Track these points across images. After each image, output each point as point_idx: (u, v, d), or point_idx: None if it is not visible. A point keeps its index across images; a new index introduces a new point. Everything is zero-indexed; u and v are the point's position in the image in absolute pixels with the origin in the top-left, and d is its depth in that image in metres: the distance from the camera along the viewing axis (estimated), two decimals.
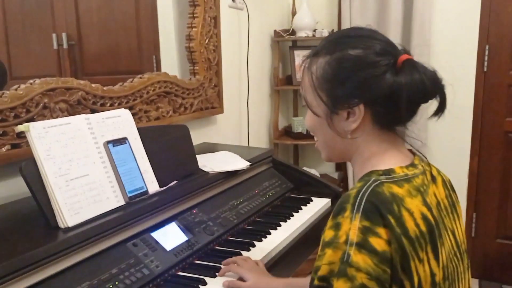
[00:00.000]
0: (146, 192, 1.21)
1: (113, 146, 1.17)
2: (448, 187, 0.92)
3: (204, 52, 1.94)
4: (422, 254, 0.74)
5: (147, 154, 1.26)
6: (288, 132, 2.84)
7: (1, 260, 0.85)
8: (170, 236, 1.18)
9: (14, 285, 0.86)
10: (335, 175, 2.95)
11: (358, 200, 0.74)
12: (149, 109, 1.64)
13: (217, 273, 1.12)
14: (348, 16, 2.64)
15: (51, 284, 0.91)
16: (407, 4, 2.56)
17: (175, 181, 1.31)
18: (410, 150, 0.90)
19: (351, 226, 0.72)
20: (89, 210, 1.06)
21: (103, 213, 1.08)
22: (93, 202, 1.08)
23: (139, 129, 1.27)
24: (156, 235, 1.15)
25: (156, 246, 1.12)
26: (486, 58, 2.55)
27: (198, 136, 1.91)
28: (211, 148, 1.77)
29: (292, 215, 1.51)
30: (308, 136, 2.71)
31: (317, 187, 1.71)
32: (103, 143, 1.16)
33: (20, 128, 1.03)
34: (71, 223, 1.01)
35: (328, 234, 0.75)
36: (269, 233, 1.36)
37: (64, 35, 1.51)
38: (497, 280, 2.74)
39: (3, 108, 1.15)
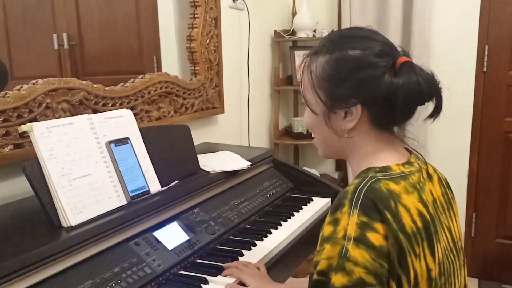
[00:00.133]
0: (148, 191, 1.22)
1: (115, 146, 1.18)
2: (444, 185, 0.93)
3: (205, 53, 1.95)
4: (419, 249, 0.76)
5: (148, 154, 1.27)
6: (288, 132, 2.85)
7: (5, 258, 0.86)
8: (172, 236, 1.19)
9: (18, 283, 0.87)
10: (335, 175, 2.96)
11: (356, 196, 0.75)
12: (150, 109, 1.65)
13: (218, 273, 1.12)
14: (348, 17, 2.65)
15: (55, 282, 0.92)
16: (407, 5, 2.56)
17: (177, 181, 1.31)
18: (406, 149, 0.92)
19: (349, 221, 0.73)
20: (92, 209, 1.07)
21: (105, 213, 1.09)
22: (96, 201, 1.09)
23: (140, 129, 1.28)
24: (158, 234, 1.16)
25: (158, 245, 1.13)
26: (485, 58, 2.56)
27: (199, 136, 1.92)
28: (212, 148, 1.78)
29: (293, 215, 1.52)
30: (308, 136, 2.72)
31: (317, 186, 1.72)
32: (105, 143, 1.17)
33: (23, 128, 1.04)
34: (74, 222, 1.02)
35: (326, 229, 0.76)
36: (270, 233, 1.37)
37: (65, 35, 1.52)
38: (497, 280, 2.75)
39: (6, 108, 1.16)
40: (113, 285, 0.97)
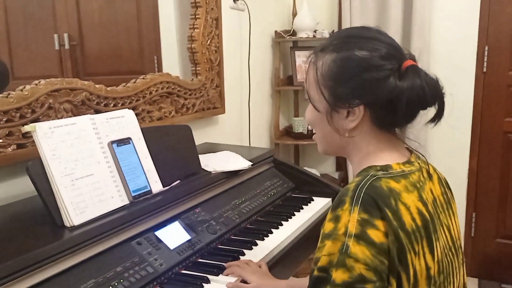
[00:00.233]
0: (150, 191, 1.22)
1: (117, 146, 1.19)
2: (444, 184, 0.94)
3: (206, 53, 1.96)
4: (418, 247, 0.76)
5: (150, 154, 1.28)
6: (288, 132, 2.85)
7: (8, 258, 0.86)
8: (174, 235, 1.19)
9: (22, 282, 0.88)
10: (336, 175, 2.97)
11: (356, 194, 0.76)
12: (151, 110, 1.66)
13: (220, 272, 1.13)
14: (348, 18, 2.65)
15: (58, 281, 0.93)
16: (407, 6, 2.57)
17: (178, 181, 1.32)
18: (407, 148, 0.92)
19: (350, 218, 0.74)
20: (94, 209, 1.08)
21: (107, 212, 1.10)
22: (98, 201, 1.09)
23: (142, 129, 1.29)
24: (160, 234, 1.17)
25: (159, 244, 1.14)
26: (485, 59, 2.57)
27: (200, 136, 1.93)
28: (213, 148, 1.79)
29: (294, 215, 1.52)
30: (308, 136, 2.73)
31: (318, 186, 1.72)
32: (107, 143, 1.18)
33: (26, 128, 1.05)
34: (76, 222, 1.03)
35: (327, 226, 0.77)
36: (271, 232, 1.38)
37: (65, 35, 1.52)
38: (497, 280, 2.75)
39: (9, 109, 1.17)
40: (116, 284, 0.98)
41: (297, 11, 2.75)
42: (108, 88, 1.47)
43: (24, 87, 1.22)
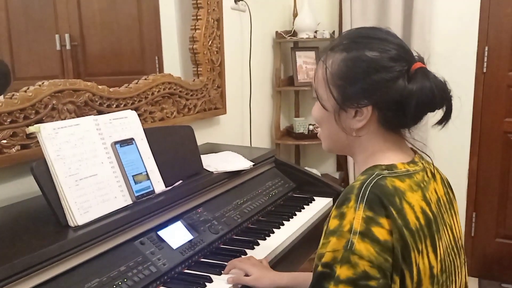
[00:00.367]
0: (153, 191, 1.23)
1: (120, 146, 1.20)
2: (446, 185, 0.95)
3: (207, 54, 1.97)
4: (421, 246, 0.77)
5: (153, 154, 1.28)
6: (289, 132, 2.86)
7: (14, 257, 0.87)
8: (176, 235, 1.20)
9: (27, 282, 0.89)
10: (336, 175, 2.98)
11: (362, 191, 0.77)
12: (153, 110, 1.67)
13: (222, 271, 1.14)
14: (349, 18, 2.66)
15: (62, 281, 0.93)
16: (407, 6, 2.58)
17: (181, 181, 1.33)
18: (411, 148, 0.93)
19: (355, 215, 0.75)
20: (98, 209, 1.09)
21: (111, 212, 1.11)
22: (102, 201, 1.10)
23: (145, 130, 1.30)
24: (163, 233, 1.18)
25: (162, 244, 1.15)
26: (485, 59, 2.58)
27: (201, 137, 1.94)
28: (214, 148, 1.80)
29: (295, 214, 1.53)
30: (309, 136, 2.74)
31: (319, 186, 1.73)
32: (110, 144, 1.18)
33: (31, 129, 1.06)
34: (80, 221, 1.04)
35: (332, 223, 0.78)
36: (273, 232, 1.39)
37: (67, 36, 1.53)
38: (497, 279, 2.76)
39: (13, 110, 1.18)
40: (120, 283, 0.99)
41: (298, 12, 2.76)
42: (111, 89, 1.48)
43: (28, 88, 1.23)
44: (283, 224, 1.45)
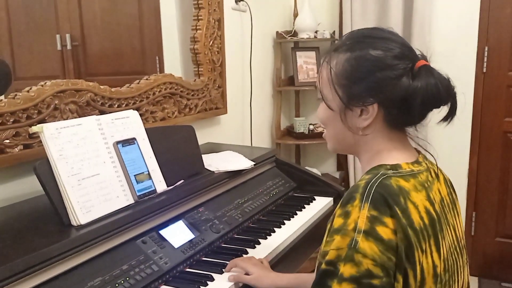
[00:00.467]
0: (154, 191, 1.24)
1: (122, 146, 1.21)
2: (449, 185, 0.96)
3: (208, 54, 1.97)
4: (425, 245, 0.78)
5: (154, 154, 1.29)
6: (290, 132, 2.87)
7: (17, 256, 0.88)
8: (178, 234, 1.21)
9: (30, 280, 0.89)
10: (337, 175, 2.99)
11: (367, 191, 0.78)
12: (155, 110, 1.68)
13: (223, 270, 1.15)
14: (349, 18, 2.67)
15: (65, 279, 0.94)
16: (407, 6, 2.59)
17: (182, 180, 1.34)
18: (415, 149, 0.94)
19: (360, 214, 0.76)
20: (100, 208, 1.09)
21: (113, 211, 1.12)
22: (104, 200, 1.11)
23: (147, 130, 1.30)
24: (164, 232, 1.19)
25: (164, 243, 1.16)
26: (485, 59, 2.59)
27: (202, 136, 1.94)
28: (215, 148, 1.81)
29: (296, 214, 1.54)
30: (309, 136, 2.74)
31: (319, 186, 1.74)
32: (112, 144, 1.19)
33: (34, 129, 1.06)
34: (83, 221, 1.04)
35: (337, 221, 0.78)
36: (274, 231, 1.39)
37: (67, 36, 1.54)
38: (497, 278, 2.77)
39: (16, 110, 1.19)
40: (122, 282, 1.00)
41: (298, 12, 2.77)
42: (113, 89, 1.48)
43: (31, 88, 1.24)
44: (284, 224, 1.46)
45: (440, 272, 0.80)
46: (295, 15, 2.79)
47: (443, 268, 0.82)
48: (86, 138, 1.14)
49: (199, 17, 1.92)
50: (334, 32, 2.79)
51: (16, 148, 1.20)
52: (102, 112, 1.41)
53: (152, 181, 1.25)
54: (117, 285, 0.98)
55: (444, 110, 0.86)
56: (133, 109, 1.36)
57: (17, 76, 1.39)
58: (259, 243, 1.31)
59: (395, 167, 0.84)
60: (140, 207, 1.16)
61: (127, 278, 1.01)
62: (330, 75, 0.88)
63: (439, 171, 0.94)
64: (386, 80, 0.83)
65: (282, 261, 1.30)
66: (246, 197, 1.52)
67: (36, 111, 1.24)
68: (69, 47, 1.54)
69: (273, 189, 1.65)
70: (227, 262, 1.18)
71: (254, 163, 1.60)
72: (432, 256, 0.79)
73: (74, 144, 1.10)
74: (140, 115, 1.33)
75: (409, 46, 0.87)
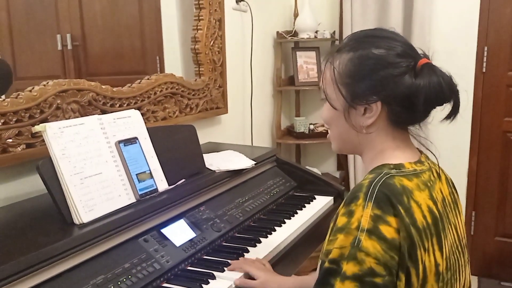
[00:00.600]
0: (156, 190, 1.25)
1: (124, 145, 1.21)
2: (451, 185, 0.97)
3: (209, 54, 1.98)
4: (428, 244, 0.79)
5: (156, 153, 1.30)
6: (290, 131, 2.88)
7: (20, 254, 0.89)
8: (179, 233, 1.22)
9: (33, 278, 0.90)
10: (337, 174, 3.00)
11: (370, 190, 0.79)
12: (156, 110, 1.68)
13: (225, 268, 1.16)
14: (349, 18, 2.68)
15: (68, 277, 0.95)
16: (407, 6, 2.59)
17: (183, 180, 1.35)
18: (417, 148, 0.95)
19: (363, 213, 0.77)
20: (103, 207, 1.10)
21: (115, 210, 1.13)
22: (106, 199, 1.12)
23: (148, 129, 1.31)
24: (166, 231, 1.19)
25: (166, 242, 1.16)
26: (485, 59, 2.59)
27: (203, 136, 1.95)
28: (216, 147, 1.81)
29: (296, 213, 1.55)
30: (309, 135, 2.75)
31: (319, 185, 1.75)
32: (114, 143, 1.20)
33: (37, 128, 1.07)
34: (85, 219, 1.05)
35: (340, 220, 0.79)
36: (274, 230, 1.40)
37: (68, 36, 1.55)
38: (496, 277, 2.78)
39: (19, 109, 1.20)
40: (124, 280, 1.00)
41: (299, 12, 2.77)
42: (114, 89, 1.49)
43: (33, 88, 1.25)
44: (284, 222, 1.47)
45: (442, 270, 0.81)
46: (296, 15, 2.79)
47: (445, 267, 0.82)
48: (89, 137, 1.15)
49: (200, 17, 1.93)
50: (334, 32, 2.80)
51: (19, 147, 1.21)
52: (103, 112, 1.42)
53: (154, 180, 1.25)
54: (119, 283, 0.99)
55: (446, 108, 0.87)
56: (135, 109, 1.36)
57: (17, 76, 1.39)
58: (260, 242, 1.32)
59: (398, 166, 0.85)
60: (142, 206, 1.17)
61: (129, 276, 1.02)
62: (333, 75, 0.89)
63: (440, 171, 0.95)
64: (389, 78, 0.83)
65: (282, 260, 1.31)
66: (247, 196, 1.53)
67: (38, 111, 1.25)
68: (69, 47, 1.55)
69: (274, 188, 1.66)
70: (228, 260, 1.18)
71: (255, 162, 1.61)
72: (434, 255, 0.80)
73: (76, 143, 1.11)
74: (142, 114, 1.34)
75: (411, 45, 0.88)
